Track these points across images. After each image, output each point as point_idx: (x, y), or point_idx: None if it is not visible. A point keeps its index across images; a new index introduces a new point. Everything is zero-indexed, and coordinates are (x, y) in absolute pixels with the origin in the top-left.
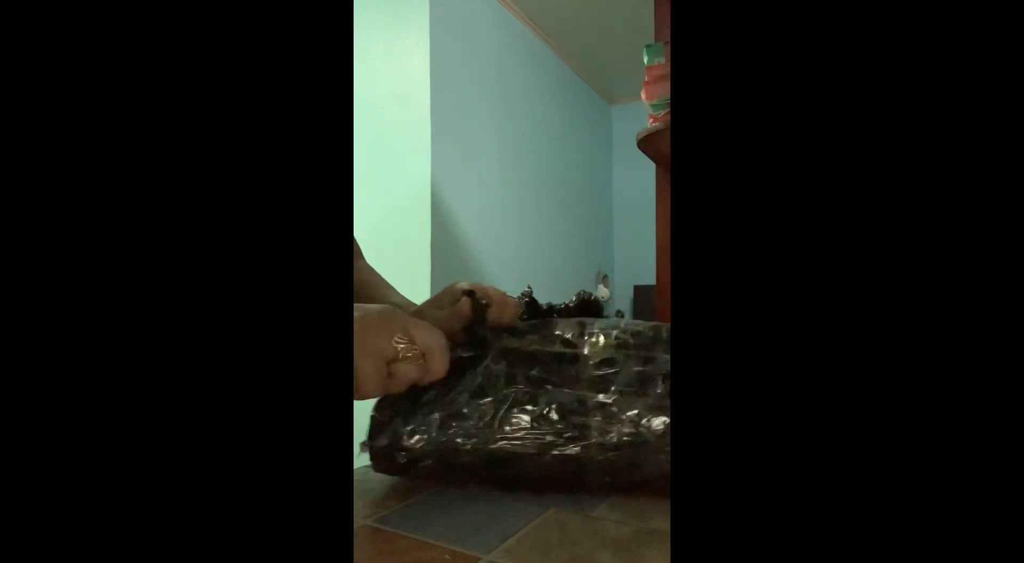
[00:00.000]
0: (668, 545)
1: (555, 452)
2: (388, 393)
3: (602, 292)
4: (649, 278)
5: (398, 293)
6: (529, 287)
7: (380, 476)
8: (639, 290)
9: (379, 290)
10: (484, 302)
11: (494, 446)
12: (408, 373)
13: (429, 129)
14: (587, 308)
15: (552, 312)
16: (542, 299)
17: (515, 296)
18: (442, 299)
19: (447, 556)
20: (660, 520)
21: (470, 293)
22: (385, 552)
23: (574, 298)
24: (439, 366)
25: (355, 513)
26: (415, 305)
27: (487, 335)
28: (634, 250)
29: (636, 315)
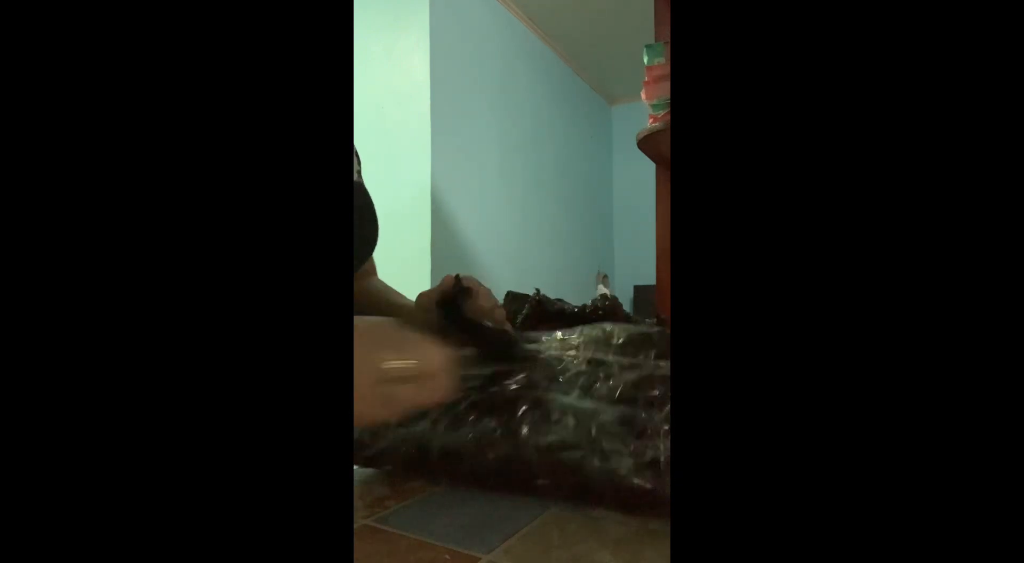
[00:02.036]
0: (668, 545)
1: (497, 450)
2: (387, 418)
3: (602, 292)
4: (649, 278)
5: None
6: (537, 290)
7: (380, 476)
8: (639, 290)
9: (397, 297)
10: (466, 285)
11: (443, 444)
12: (404, 396)
13: (429, 129)
14: (613, 314)
15: (564, 314)
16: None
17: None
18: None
19: (447, 556)
20: (660, 520)
21: (456, 276)
22: (385, 552)
23: (591, 301)
24: (441, 387)
25: (355, 513)
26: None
27: (462, 319)
28: (634, 250)
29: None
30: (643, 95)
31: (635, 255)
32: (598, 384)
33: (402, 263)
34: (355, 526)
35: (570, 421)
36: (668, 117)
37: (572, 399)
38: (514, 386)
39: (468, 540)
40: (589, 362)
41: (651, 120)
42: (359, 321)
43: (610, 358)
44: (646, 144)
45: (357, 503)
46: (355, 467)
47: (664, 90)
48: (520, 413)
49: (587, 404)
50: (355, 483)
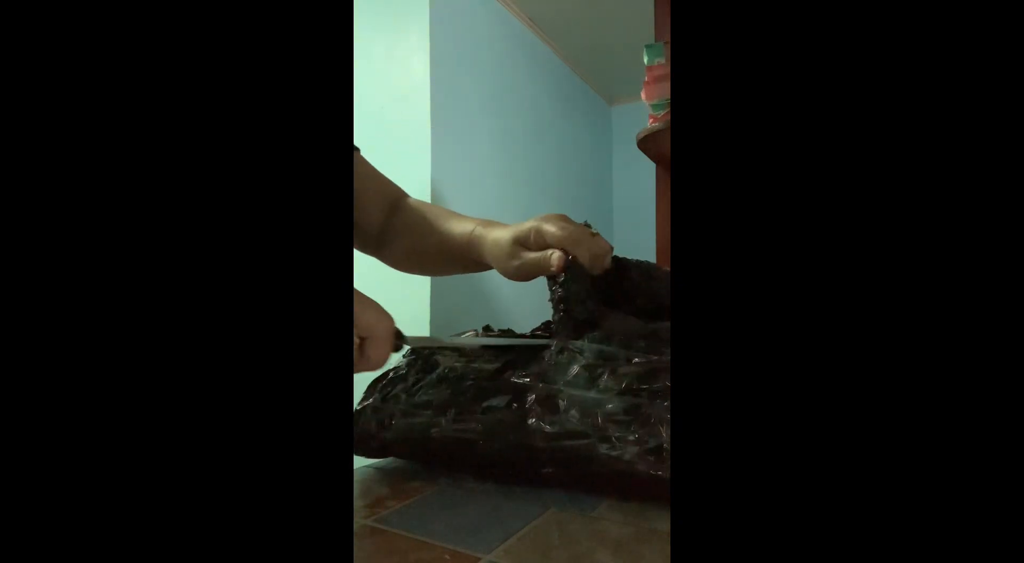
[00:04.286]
0: (668, 545)
1: (505, 439)
2: None
3: None
4: None
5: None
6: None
7: (380, 476)
8: None
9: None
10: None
11: (450, 434)
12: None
13: (429, 129)
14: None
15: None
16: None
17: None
18: (527, 233)
19: (447, 556)
20: (660, 520)
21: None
22: (385, 552)
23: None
24: (377, 354)
25: (355, 513)
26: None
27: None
28: (634, 250)
29: None
30: (643, 95)
31: (635, 255)
32: (605, 376)
33: None
34: (355, 526)
35: (577, 411)
36: (668, 117)
37: (580, 390)
38: (523, 377)
39: (468, 540)
40: (599, 354)
41: (651, 120)
42: None
43: (619, 351)
44: (646, 144)
45: (357, 503)
46: (366, 469)
47: (664, 90)
48: (528, 403)
49: (594, 395)
50: (355, 483)
